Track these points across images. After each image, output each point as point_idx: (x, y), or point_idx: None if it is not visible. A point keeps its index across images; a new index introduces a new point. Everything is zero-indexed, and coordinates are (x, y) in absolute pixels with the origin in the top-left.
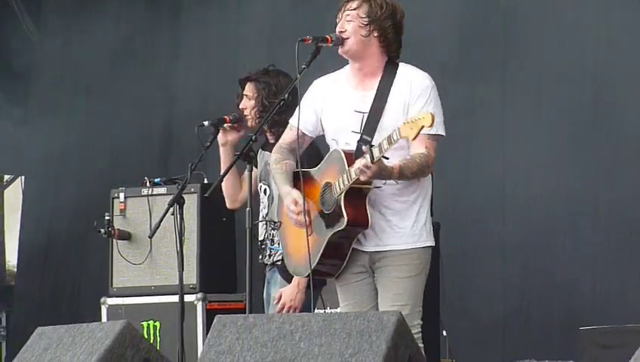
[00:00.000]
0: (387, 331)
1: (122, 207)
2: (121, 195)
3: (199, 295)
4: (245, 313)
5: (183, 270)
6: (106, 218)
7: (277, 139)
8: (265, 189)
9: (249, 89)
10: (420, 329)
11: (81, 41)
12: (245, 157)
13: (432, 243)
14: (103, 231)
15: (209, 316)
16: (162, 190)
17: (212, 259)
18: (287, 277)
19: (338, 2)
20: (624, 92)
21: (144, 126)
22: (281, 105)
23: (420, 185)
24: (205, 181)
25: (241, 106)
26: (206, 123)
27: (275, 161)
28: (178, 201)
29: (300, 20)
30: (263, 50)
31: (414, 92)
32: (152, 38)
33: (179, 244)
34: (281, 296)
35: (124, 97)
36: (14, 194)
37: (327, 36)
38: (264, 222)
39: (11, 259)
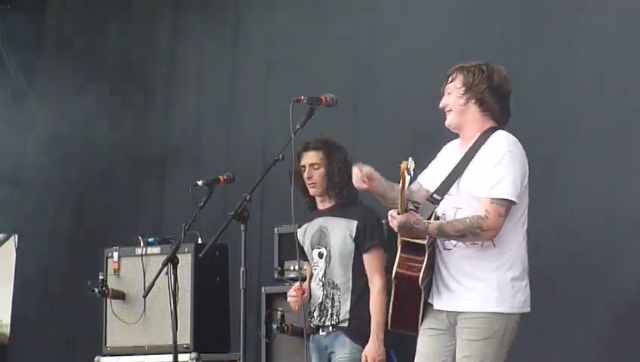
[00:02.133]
0: None
1: (116, 267)
2: (115, 255)
3: (193, 354)
4: None
5: (176, 329)
6: (100, 277)
7: (333, 203)
8: (320, 253)
9: (315, 157)
10: None
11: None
12: (239, 217)
13: (505, 309)
14: (96, 290)
15: None
16: (156, 250)
17: (206, 318)
18: (355, 338)
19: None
20: None
21: (137, 184)
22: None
23: (500, 251)
24: (199, 241)
25: (306, 175)
26: (200, 182)
27: None
28: (172, 261)
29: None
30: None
31: (489, 153)
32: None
33: (172, 304)
34: (366, 358)
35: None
36: (7, 252)
37: (322, 97)
38: (321, 283)
39: (4, 317)
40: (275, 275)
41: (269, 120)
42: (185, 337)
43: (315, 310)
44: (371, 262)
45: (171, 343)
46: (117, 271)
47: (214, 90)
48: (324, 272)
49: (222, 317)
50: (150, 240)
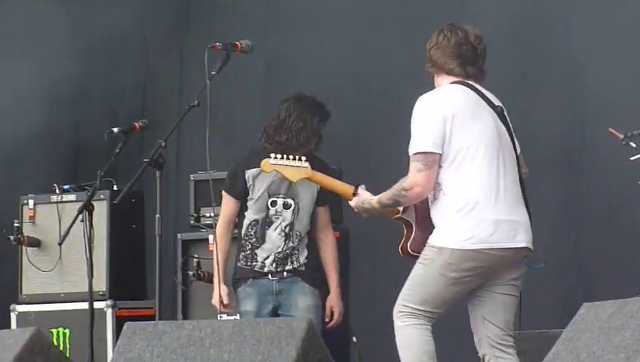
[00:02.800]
0: (297, 337)
1: (32, 214)
2: (31, 202)
3: (109, 302)
4: (155, 320)
5: (92, 277)
6: (15, 225)
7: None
8: (286, 203)
9: None
10: (398, 320)
11: None
12: (155, 164)
13: (437, 243)
14: (12, 238)
15: (119, 323)
16: (72, 197)
17: (122, 265)
18: (313, 283)
19: None
20: None
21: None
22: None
23: (449, 198)
24: (115, 188)
25: None
26: (115, 129)
27: None
28: (87, 208)
29: None
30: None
31: None
32: None
33: (88, 251)
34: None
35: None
36: None
37: (237, 43)
38: (284, 233)
39: None
40: (191, 222)
41: (185, 66)
42: (101, 284)
43: (268, 257)
44: (326, 215)
45: (87, 290)
46: (32, 219)
47: (130, 37)
48: (291, 224)
49: (138, 265)
50: (66, 187)
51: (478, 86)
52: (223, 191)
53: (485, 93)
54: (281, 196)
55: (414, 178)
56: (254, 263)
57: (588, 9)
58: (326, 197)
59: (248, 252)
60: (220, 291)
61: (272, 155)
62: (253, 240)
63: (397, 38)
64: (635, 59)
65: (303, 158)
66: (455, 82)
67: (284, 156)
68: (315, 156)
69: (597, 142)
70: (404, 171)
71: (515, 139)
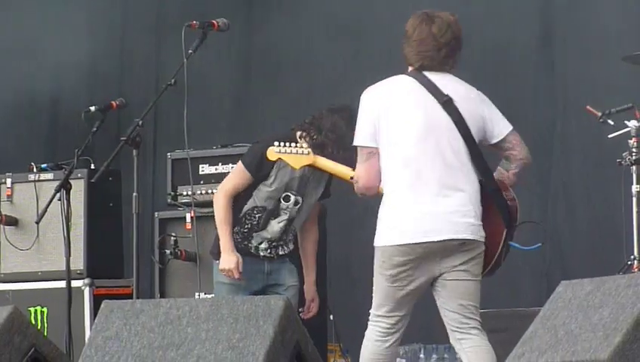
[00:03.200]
0: (274, 316)
1: (9, 193)
2: (8, 181)
3: (86, 280)
4: (132, 298)
5: (70, 255)
6: None
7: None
8: (297, 200)
9: None
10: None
11: None
12: (132, 142)
13: (375, 243)
14: None
15: (96, 301)
16: (49, 175)
17: (99, 244)
18: (299, 269)
19: None
20: None
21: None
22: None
23: (385, 193)
24: (92, 167)
25: None
26: (92, 108)
27: None
28: (65, 187)
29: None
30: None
31: None
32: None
33: (65, 230)
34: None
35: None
36: None
37: (214, 22)
38: (284, 227)
39: None
40: (169, 200)
41: (161, 45)
42: (78, 263)
43: (262, 242)
44: (317, 209)
45: (65, 269)
46: (10, 197)
47: (106, 16)
48: (292, 219)
49: (115, 243)
50: (43, 166)
51: (431, 75)
52: (243, 166)
53: (436, 83)
54: (295, 193)
55: (356, 171)
56: (249, 244)
57: None
58: (326, 195)
59: (246, 230)
60: (235, 258)
61: (276, 143)
62: (255, 222)
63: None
64: (612, 41)
65: (305, 145)
66: (407, 72)
67: (287, 143)
68: None
69: (574, 120)
70: None
71: (470, 128)
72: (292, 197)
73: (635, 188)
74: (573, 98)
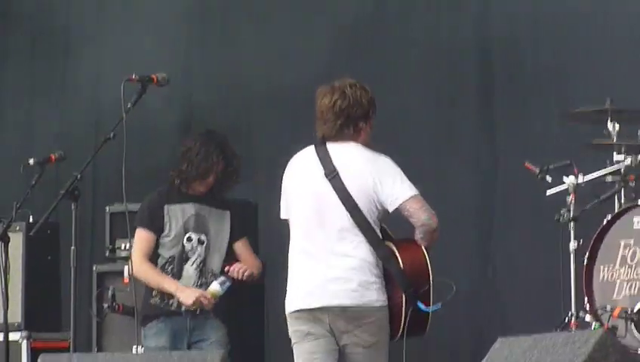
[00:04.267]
0: None
1: None
2: None
3: (24, 333)
4: (70, 352)
5: (7, 308)
6: None
7: (204, 191)
8: (200, 239)
9: None
10: None
11: None
12: (70, 195)
13: None
14: None
15: (34, 354)
16: None
17: (37, 297)
18: (224, 320)
19: None
20: None
21: None
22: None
23: None
24: (31, 219)
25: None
26: (31, 161)
27: None
28: (3, 239)
29: None
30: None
31: None
32: None
33: (3, 282)
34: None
35: None
36: None
37: (153, 76)
38: (198, 269)
39: None
40: (107, 254)
41: (101, 98)
42: (16, 315)
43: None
44: (246, 248)
45: (2, 321)
46: None
47: (45, 70)
48: (204, 260)
49: (53, 296)
50: None
51: (331, 146)
52: (140, 228)
53: (332, 154)
54: (196, 232)
55: None
56: (169, 302)
57: None
58: (242, 231)
59: None
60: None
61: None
62: (170, 276)
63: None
64: (551, 97)
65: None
66: (315, 143)
67: None
68: (230, 201)
69: (513, 176)
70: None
71: (357, 202)
72: (194, 237)
73: (572, 244)
74: (511, 154)
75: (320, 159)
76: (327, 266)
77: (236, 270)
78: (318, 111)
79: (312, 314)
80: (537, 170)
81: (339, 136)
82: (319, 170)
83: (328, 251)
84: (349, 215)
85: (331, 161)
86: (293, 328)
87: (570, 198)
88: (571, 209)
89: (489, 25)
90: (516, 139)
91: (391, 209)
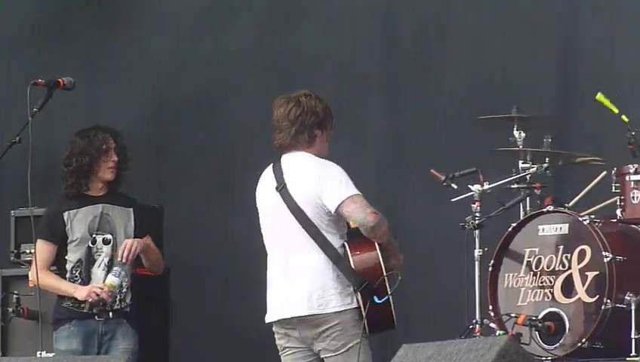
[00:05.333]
0: None
1: None
2: None
3: None
4: None
5: None
6: None
7: (106, 191)
8: (105, 239)
9: (113, 142)
10: None
11: None
12: None
13: None
14: None
15: None
16: None
17: None
18: (135, 326)
19: None
20: None
21: None
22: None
23: None
24: None
25: (113, 159)
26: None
27: None
28: None
29: None
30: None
31: None
32: None
33: None
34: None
35: None
36: None
37: (59, 80)
38: (106, 269)
39: None
40: (12, 258)
41: (8, 101)
42: None
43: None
44: (152, 244)
45: None
46: None
47: None
48: (111, 259)
49: None
50: None
51: (284, 157)
52: (39, 239)
53: (284, 166)
54: (100, 233)
55: None
56: (81, 305)
57: None
58: (147, 227)
59: None
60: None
61: None
62: (79, 281)
63: None
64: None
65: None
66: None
67: None
68: (133, 199)
69: (419, 182)
70: None
71: (305, 211)
72: (99, 238)
73: (477, 252)
74: (416, 161)
75: (274, 173)
76: (285, 278)
77: (123, 250)
78: (275, 120)
79: (282, 327)
80: (442, 178)
81: (293, 144)
82: (272, 185)
83: (286, 263)
84: (299, 225)
85: (282, 173)
86: (276, 341)
87: (476, 206)
88: (476, 216)
89: (394, 25)
90: (422, 146)
91: (332, 211)
